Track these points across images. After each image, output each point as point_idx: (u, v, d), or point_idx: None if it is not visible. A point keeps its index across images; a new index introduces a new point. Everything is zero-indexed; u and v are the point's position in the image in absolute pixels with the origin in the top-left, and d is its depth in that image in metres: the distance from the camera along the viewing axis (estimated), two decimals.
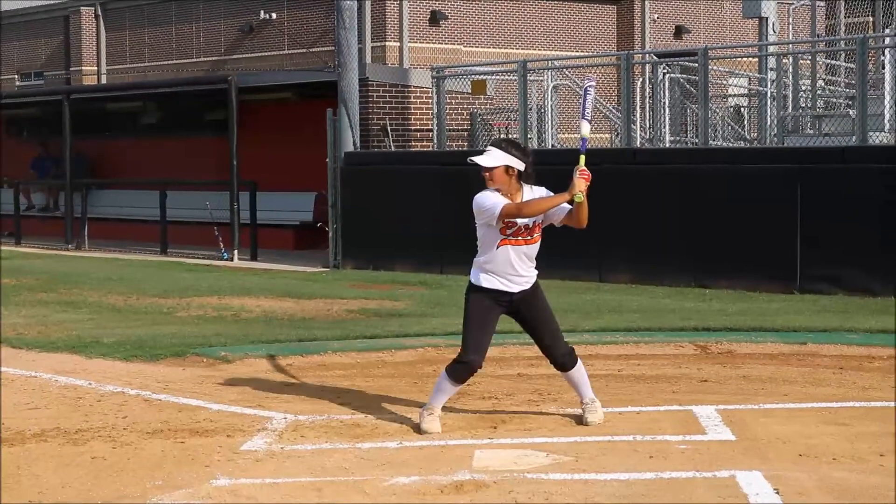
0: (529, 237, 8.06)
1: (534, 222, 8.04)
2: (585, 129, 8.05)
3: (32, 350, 11.90)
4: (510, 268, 8.06)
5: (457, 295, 16.20)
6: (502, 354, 11.41)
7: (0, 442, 8.02)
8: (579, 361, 8.36)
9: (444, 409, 8.46)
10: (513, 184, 8.01)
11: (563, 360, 8.29)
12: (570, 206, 7.99)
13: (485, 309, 8.11)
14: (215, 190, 23.91)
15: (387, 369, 10.79)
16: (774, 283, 15.87)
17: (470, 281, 8.22)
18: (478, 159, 7.99)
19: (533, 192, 8.02)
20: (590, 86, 8.12)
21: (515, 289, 8.09)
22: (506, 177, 7.99)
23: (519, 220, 7.97)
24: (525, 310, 8.18)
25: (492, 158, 7.99)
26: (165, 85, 29.95)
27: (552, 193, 7.98)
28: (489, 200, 7.97)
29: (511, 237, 8.02)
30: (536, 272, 8.19)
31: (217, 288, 17.48)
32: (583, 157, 7.94)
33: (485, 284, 8.10)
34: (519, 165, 7.98)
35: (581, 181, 7.82)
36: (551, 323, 8.26)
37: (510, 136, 22.85)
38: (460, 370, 8.16)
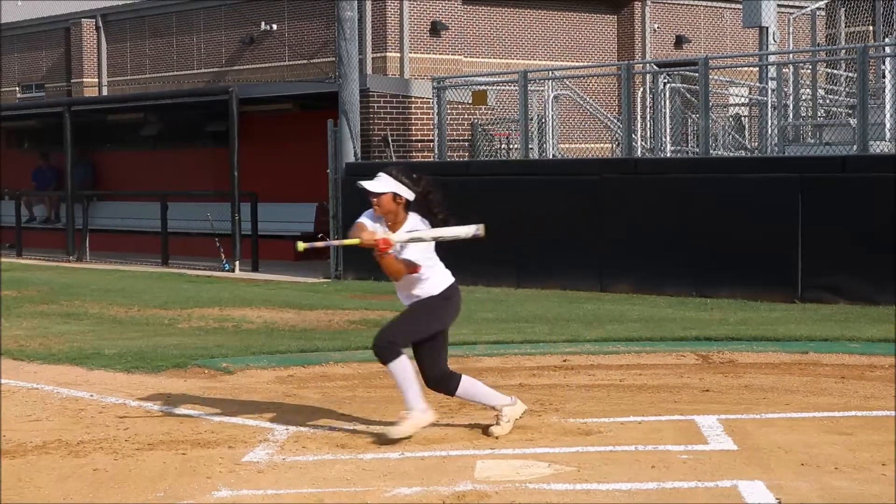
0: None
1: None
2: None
3: (34, 362, 11.90)
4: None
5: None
6: (504, 364, 11.42)
7: (1, 454, 8.01)
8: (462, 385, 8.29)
9: (446, 419, 8.47)
10: (400, 213, 8.05)
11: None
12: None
13: None
14: (216, 201, 23.92)
15: (388, 380, 10.69)
16: (775, 292, 15.86)
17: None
18: (366, 184, 8.01)
19: (416, 224, 8.01)
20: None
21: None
22: (393, 204, 8.02)
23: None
24: None
25: (381, 184, 8.00)
26: (166, 96, 29.96)
27: (426, 231, 7.99)
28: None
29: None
30: (416, 293, 8.16)
31: (218, 299, 17.48)
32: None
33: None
34: (408, 195, 8.01)
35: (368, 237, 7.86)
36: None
37: (511, 146, 22.89)
38: None
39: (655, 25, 40.04)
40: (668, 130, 19.10)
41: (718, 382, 10.27)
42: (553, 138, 20.75)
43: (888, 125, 16.54)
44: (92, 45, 44.31)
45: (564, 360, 11.50)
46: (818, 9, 22.84)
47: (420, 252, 7.99)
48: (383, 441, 8.11)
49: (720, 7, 40.95)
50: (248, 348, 12.34)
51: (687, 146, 20.52)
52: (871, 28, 24.89)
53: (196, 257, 23.77)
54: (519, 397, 9.60)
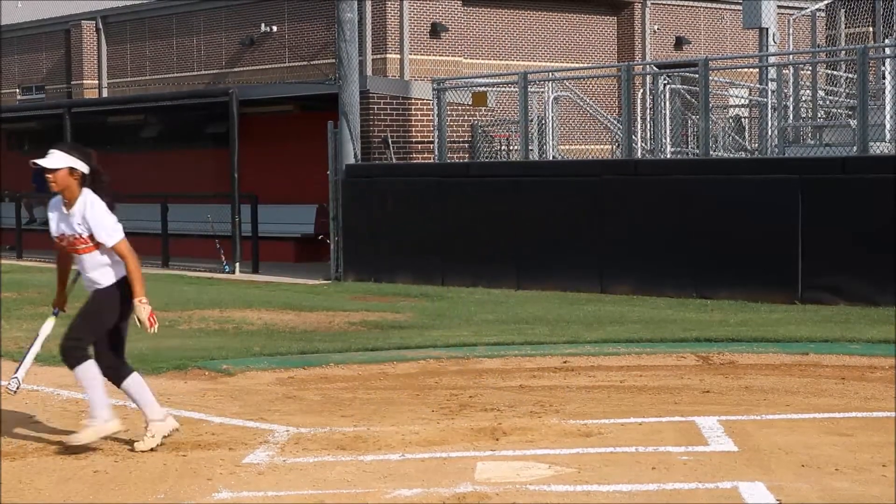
0: (80, 248, 8.14)
1: (78, 236, 8.10)
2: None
3: (34, 364, 11.86)
4: (82, 271, 8.25)
5: (458, 306, 16.28)
6: (504, 366, 11.41)
7: (1, 456, 8.01)
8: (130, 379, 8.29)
9: (446, 420, 8.47)
10: (75, 188, 8.11)
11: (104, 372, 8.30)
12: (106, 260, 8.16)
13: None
14: (216, 203, 23.93)
15: (388, 381, 10.79)
16: (776, 293, 15.86)
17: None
18: (41, 161, 8.09)
19: (91, 198, 8.08)
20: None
21: (89, 289, 8.29)
22: (70, 179, 8.10)
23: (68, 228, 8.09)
24: None
25: (55, 160, 8.10)
26: (166, 98, 29.96)
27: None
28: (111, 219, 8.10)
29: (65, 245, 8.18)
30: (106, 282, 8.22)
31: (218, 301, 17.48)
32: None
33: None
34: (83, 168, 8.12)
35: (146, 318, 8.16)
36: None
37: (511, 147, 22.89)
38: None
39: (655, 27, 40.03)
40: (668, 132, 19.10)
41: (719, 384, 10.28)
42: (553, 139, 20.76)
43: (888, 126, 16.53)
44: (92, 46, 44.30)
45: (565, 362, 11.50)
46: (818, 10, 22.84)
47: (108, 226, 8.06)
48: (66, 449, 8.08)
49: (720, 8, 40.94)
50: (248, 350, 12.34)
51: (687, 147, 20.52)
52: (870, 29, 24.89)
53: (196, 259, 23.78)
54: (519, 399, 9.62)
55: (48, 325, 8.51)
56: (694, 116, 19.61)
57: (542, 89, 21.36)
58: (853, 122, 17.20)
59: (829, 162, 16.28)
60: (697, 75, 17.83)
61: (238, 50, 39.39)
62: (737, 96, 22.92)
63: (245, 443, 8.29)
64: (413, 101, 23.04)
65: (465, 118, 23.12)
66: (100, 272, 8.17)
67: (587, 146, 22.61)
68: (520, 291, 17.96)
